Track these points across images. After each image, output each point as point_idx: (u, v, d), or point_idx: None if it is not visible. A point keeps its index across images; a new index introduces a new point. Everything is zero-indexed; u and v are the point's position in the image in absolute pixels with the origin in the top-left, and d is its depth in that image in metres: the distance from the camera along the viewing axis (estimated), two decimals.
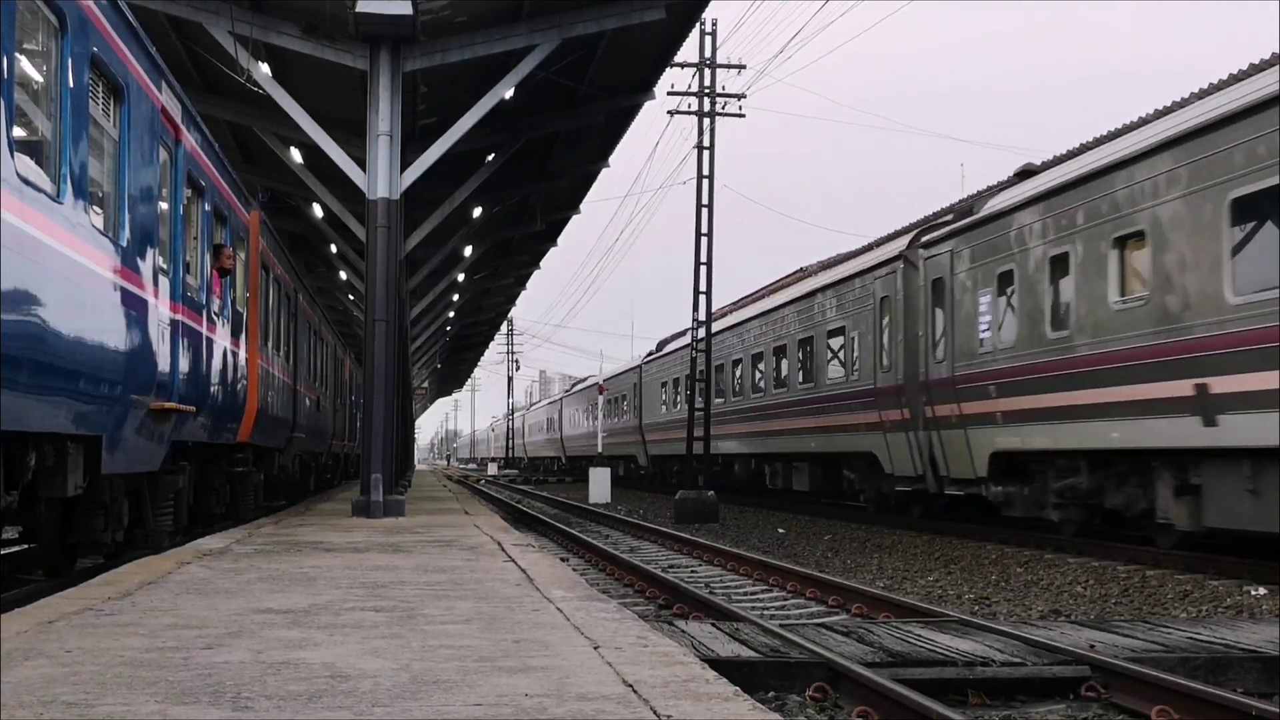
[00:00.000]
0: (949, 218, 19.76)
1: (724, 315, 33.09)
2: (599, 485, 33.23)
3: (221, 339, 12.26)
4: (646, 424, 40.74)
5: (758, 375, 28.22)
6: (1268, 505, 11.17)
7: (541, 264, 35.65)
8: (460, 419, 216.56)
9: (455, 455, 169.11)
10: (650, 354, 42.39)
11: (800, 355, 24.71)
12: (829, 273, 24.95)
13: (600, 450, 44.73)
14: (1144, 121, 16.22)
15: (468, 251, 29.03)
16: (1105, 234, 13.81)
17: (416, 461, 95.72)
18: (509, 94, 16.27)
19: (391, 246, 14.40)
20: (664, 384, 38.36)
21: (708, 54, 26.50)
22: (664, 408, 38.35)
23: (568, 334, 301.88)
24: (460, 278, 32.49)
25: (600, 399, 47.71)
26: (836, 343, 22.69)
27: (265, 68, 15.72)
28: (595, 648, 4.77)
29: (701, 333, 27.13)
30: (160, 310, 9.37)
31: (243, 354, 13.69)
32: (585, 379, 62.97)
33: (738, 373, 29.89)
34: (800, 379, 24.59)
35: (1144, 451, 13.18)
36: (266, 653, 4.58)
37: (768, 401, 26.85)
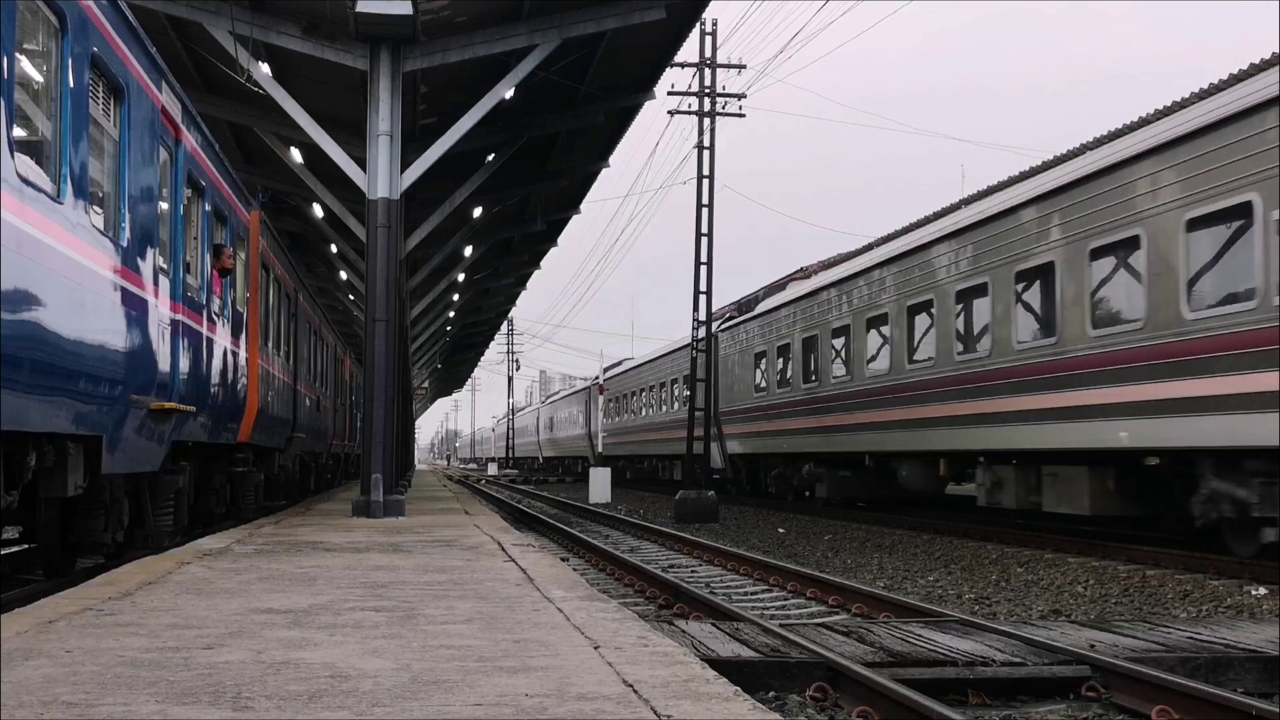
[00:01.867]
0: None
1: (847, 259, 24.58)
2: (599, 485, 33.25)
3: (222, 339, 12.26)
4: (724, 411, 30.13)
5: (961, 327, 18.01)
6: None
7: (541, 264, 35.68)
8: (460, 419, 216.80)
9: (456, 455, 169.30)
10: (730, 319, 31.48)
11: (1096, 278, 14.44)
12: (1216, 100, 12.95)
13: (600, 450, 44.00)
14: None
15: (468, 251, 29.03)
16: None
17: (417, 462, 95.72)
18: (509, 94, 16.27)
19: (391, 246, 14.40)
20: (763, 354, 27.81)
21: (708, 54, 26.51)
22: (760, 388, 28.08)
23: (568, 334, 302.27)
24: (460, 278, 32.48)
25: (601, 398, 46.56)
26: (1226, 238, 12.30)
27: (265, 68, 15.72)
28: (595, 648, 4.77)
29: (701, 332, 27.04)
30: (160, 310, 9.37)
31: (243, 354, 13.69)
32: (619, 363, 53.53)
33: (905, 331, 19.81)
34: (1092, 321, 14.41)
35: None
36: (267, 653, 4.58)
37: (998, 364, 16.59)
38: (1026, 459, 16.22)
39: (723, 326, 30.95)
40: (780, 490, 27.22)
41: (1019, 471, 16.49)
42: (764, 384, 27.66)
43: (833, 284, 23.48)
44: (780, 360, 26.50)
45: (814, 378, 24.03)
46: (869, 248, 24.99)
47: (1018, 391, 15.94)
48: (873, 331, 21.11)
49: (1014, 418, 16.02)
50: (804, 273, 29.24)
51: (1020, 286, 16.23)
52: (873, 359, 21.09)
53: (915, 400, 19.11)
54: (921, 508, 22.42)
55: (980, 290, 17.18)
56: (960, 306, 17.89)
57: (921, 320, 19.22)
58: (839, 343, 22.80)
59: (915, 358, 19.37)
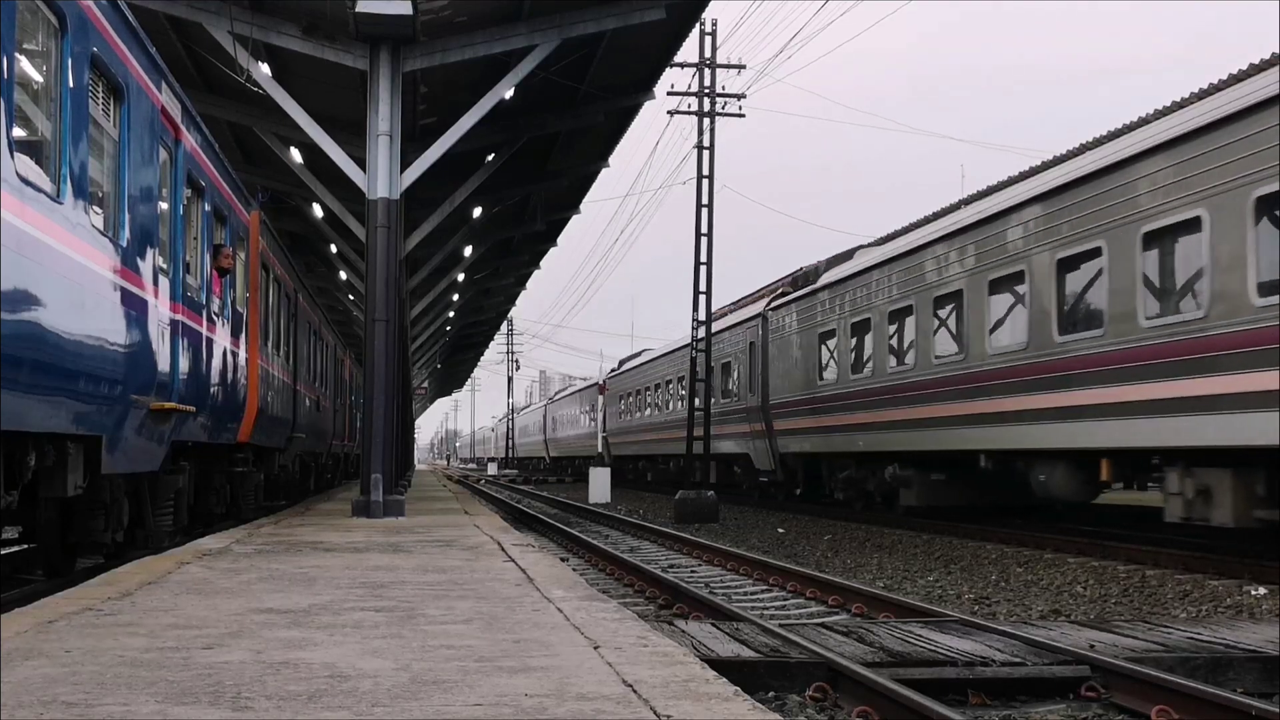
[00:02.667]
0: None
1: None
2: (599, 485, 33.26)
3: (221, 339, 12.26)
4: (776, 404, 25.65)
5: (1150, 280, 13.02)
6: None
7: (541, 264, 35.71)
8: (460, 419, 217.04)
9: (455, 455, 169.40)
10: (782, 294, 26.22)
11: None
12: None
13: (600, 450, 43.66)
14: None
15: (468, 251, 29.05)
16: None
17: (416, 462, 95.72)
18: (509, 94, 16.27)
19: (391, 246, 14.40)
20: (831, 334, 22.45)
21: (708, 54, 26.51)
22: (827, 374, 22.73)
23: (568, 334, 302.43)
24: (460, 278, 32.49)
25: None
26: None
27: (265, 68, 15.72)
28: (595, 648, 4.77)
29: (701, 332, 26.95)
30: (160, 310, 9.37)
31: (243, 354, 13.69)
32: (638, 354, 47.10)
33: (1055, 291, 14.71)
34: None
35: None
36: (266, 653, 4.58)
37: (1219, 329, 11.69)
38: (1248, 459, 11.60)
39: (774, 305, 25.88)
40: (849, 496, 22.59)
41: (1239, 477, 11.73)
42: (833, 369, 22.29)
43: (939, 239, 17.98)
44: (856, 340, 21.10)
45: (907, 359, 18.95)
46: (983, 195, 19.94)
47: (1248, 366, 11.21)
48: (995, 297, 16.23)
49: (1232, 403, 11.35)
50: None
51: (1259, 217, 11.24)
52: (997, 331, 16.23)
53: (1067, 383, 14.28)
54: (1020, 516, 18.80)
55: (1192, 225, 12.02)
56: (1154, 249, 12.64)
57: (1080, 275, 14.26)
58: (946, 313, 17.82)
59: (1068, 328, 14.50)
